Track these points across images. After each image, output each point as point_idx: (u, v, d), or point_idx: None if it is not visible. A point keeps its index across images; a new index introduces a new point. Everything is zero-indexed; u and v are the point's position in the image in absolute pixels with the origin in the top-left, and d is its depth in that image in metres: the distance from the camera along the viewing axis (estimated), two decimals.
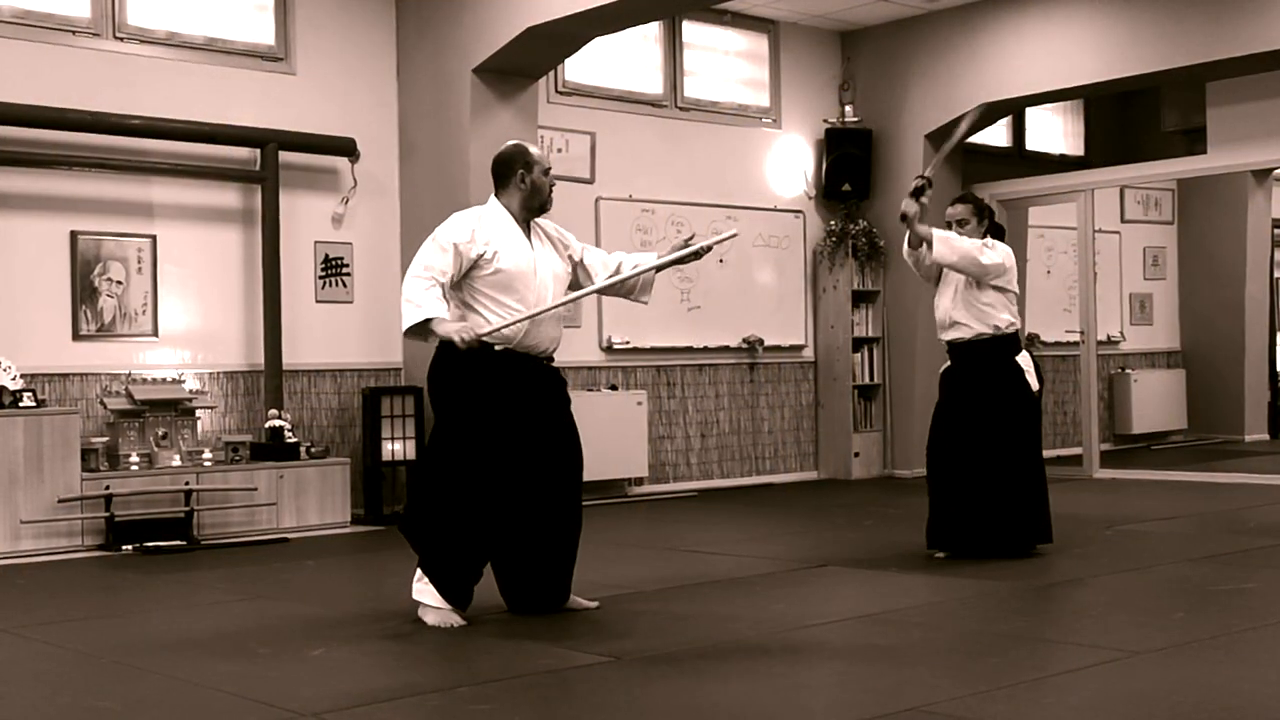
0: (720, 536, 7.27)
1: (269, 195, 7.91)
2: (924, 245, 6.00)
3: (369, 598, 5.81)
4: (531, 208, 4.87)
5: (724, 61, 10.12)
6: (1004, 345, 6.06)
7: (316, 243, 8.27)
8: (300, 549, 7.04)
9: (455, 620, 4.71)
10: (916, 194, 5.96)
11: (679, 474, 9.72)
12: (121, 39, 7.63)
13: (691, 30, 9.92)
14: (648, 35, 9.63)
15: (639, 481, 9.37)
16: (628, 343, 9.41)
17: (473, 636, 4.60)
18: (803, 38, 10.48)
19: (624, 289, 5.09)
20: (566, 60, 8.64)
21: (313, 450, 7.85)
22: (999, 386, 6.03)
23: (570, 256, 5.01)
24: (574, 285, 5.04)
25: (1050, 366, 11.58)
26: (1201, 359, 12.55)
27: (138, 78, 7.62)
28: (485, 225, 4.77)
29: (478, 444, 4.70)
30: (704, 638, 4.57)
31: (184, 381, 7.73)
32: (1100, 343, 10.70)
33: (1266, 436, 12.38)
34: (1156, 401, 12.25)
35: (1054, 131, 12.03)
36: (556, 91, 9.14)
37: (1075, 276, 10.62)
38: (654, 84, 9.73)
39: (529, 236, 4.84)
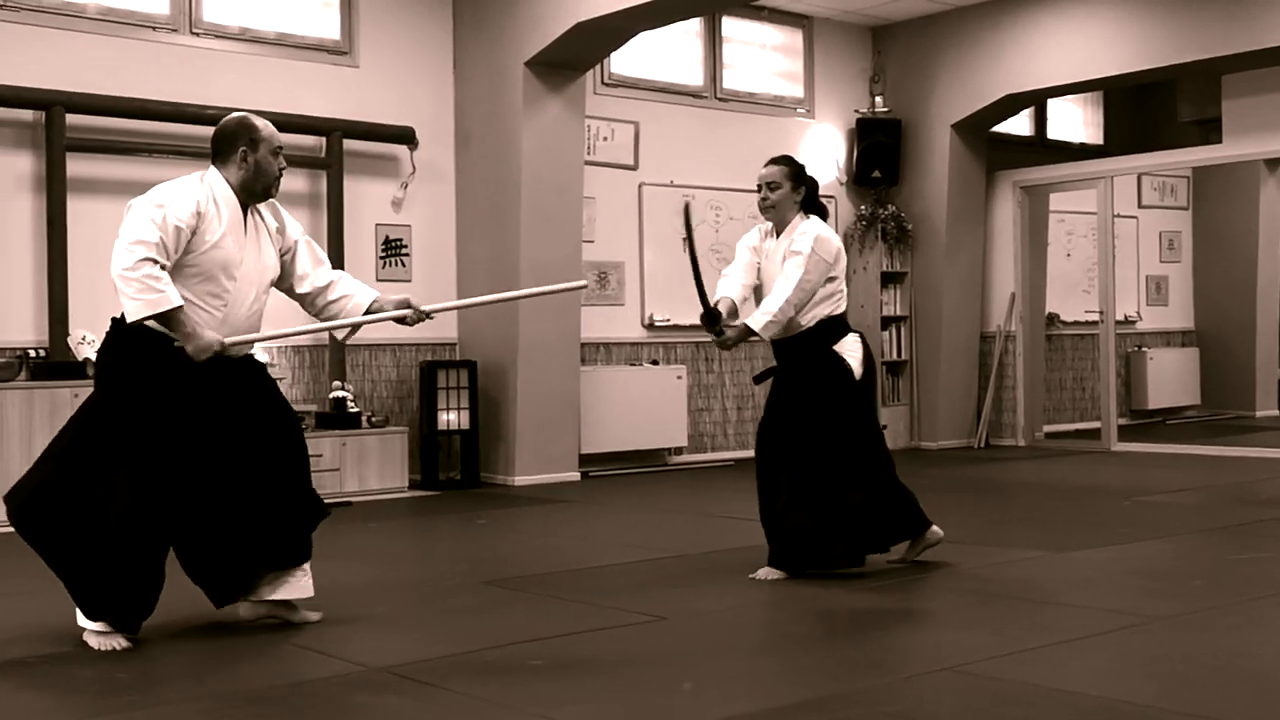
0: (755, 504, 7.22)
1: (334, 181, 7.91)
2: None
3: (427, 559, 5.83)
4: (253, 191, 4.03)
5: (761, 55, 10.03)
6: (821, 333, 4.93)
7: (377, 225, 8.26)
8: (362, 512, 7.06)
9: (120, 641, 3.85)
10: (711, 324, 4.93)
11: (716, 444, 9.68)
12: (198, 34, 7.63)
13: (730, 25, 9.83)
14: (689, 30, 9.55)
15: (679, 451, 9.35)
16: (668, 320, 9.37)
17: (525, 598, 4.59)
18: (835, 32, 10.37)
19: (328, 315, 4.29)
20: (613, 53, 8.59)
21: (373, 420, 7.87)
22: (820, 378, 4.91)
23: (285, 246, 4.22)
24: (285, 275, 4.22)
25: (1070, 345, 11.48)
26: (1215, 338, 12.38)
27: (212, 71, 7.63)
28: (206, 201, 3.90)
29: (152, 439, 3.86)
30: (744, 599, 4.54)
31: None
32: (1118, 322, 10.55)
33: (1277, 412, 12.18)
34: (1171, 378, 12.10)
35: (1074, 121, 11.87)
36: (603, 83, 9.09)
37: (1094, 259, 10.49)
38: (695, 76, 9.66)
39: (245, 221, 4.01)
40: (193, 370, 3.86)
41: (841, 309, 4.98)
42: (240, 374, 4.06)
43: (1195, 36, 8.74)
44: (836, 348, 4.92)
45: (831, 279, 4.91)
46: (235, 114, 4.12)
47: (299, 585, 4.05)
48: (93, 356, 6.83)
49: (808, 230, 4.90)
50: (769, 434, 5.00)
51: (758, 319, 4.85)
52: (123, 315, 3.83)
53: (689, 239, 4.92)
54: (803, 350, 4.95)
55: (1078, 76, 9.45)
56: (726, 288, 5.01)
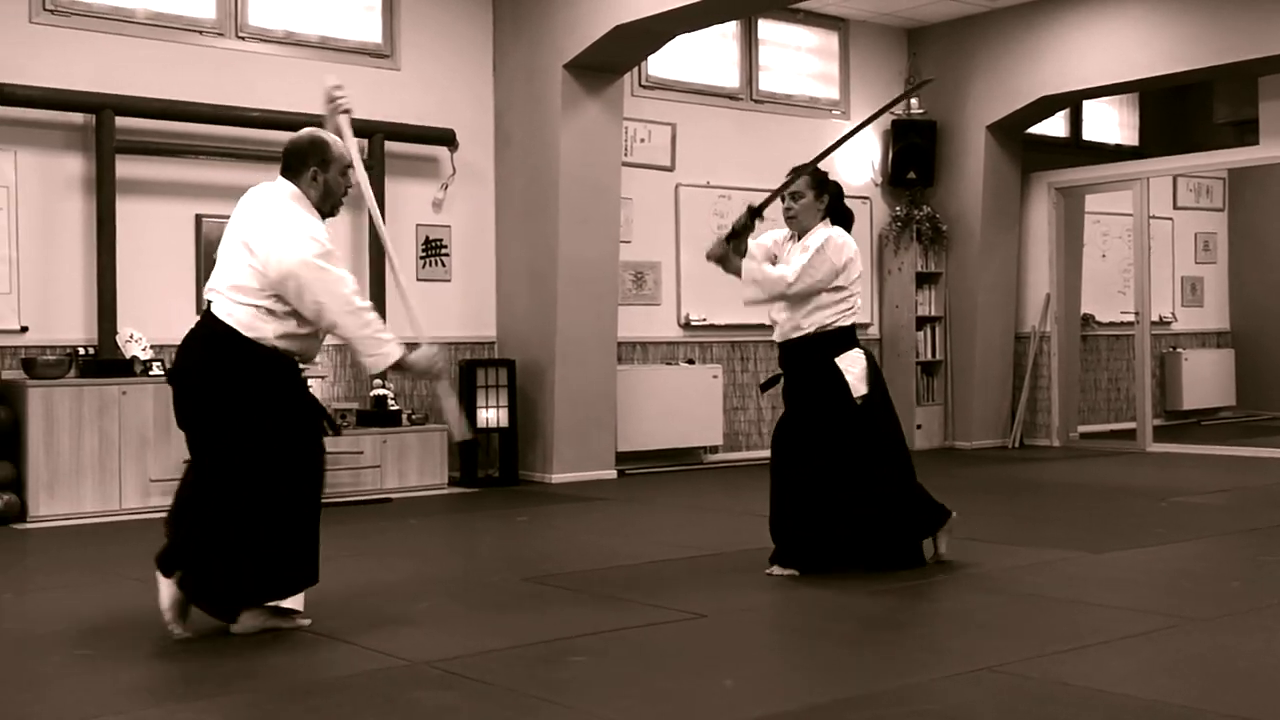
0: None
1: (375, 182, 7.95)
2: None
3: (468, 555, 5.87)
4: (322, 209, 4.05)
5: (797, 57, 10.03)
6: (822, 343, 4.87)
7: (418, 225, 8.33)
8: (402, 508, 7.11)
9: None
10: (750, 217, 4.93)
11: (751, 443, 9.69)
12: (243, 38, 7.71)
13: (767, 28, 9.84)
14: (726, 33, 9.56)
15: (714, 449, 9.37)
16: (705, 320, 9.40)
17: (565, 595, 4.62)
18: (871, 34, 10.36)
19: None
20: (650, 56, 8.61)
21: (413, 417, 7.93)
22: (817, 390, 4.87)
23: None
24: None
25: (1105, 346, 11.41)
26: (1250, 339, 12.29)
27: (257, 74, 7.70)
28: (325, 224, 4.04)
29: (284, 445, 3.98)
30: (782, 597, 4.56)
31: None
32: (1153, 323, 10.50)
33: None
34: (1206, 379, 12.02)
35: (1110, 122, 11.80)
36: (640, 85, 9.11)
37: (1130, 260, 10.43)
38: (731, 78, 9.67)
39: None
40: (296, 386, 4.00)
41: (847, 322, 4.90)
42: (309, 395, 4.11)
43: (1232, 38, 8.68)
44: (838, 360, 4.85)
45: (839, 287, 4.85)
46: (307, 130, 4.11)
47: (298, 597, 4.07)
48: (141, 355, 6.96)
49: (820, 233, 4.91)
50: (781, 438, 5.00)
51: (751, 269, 4.85)
52: (229, 330, 3.88)
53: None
54: (802, 358, 4.91)
55: (1113, 78, 9.40)
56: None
